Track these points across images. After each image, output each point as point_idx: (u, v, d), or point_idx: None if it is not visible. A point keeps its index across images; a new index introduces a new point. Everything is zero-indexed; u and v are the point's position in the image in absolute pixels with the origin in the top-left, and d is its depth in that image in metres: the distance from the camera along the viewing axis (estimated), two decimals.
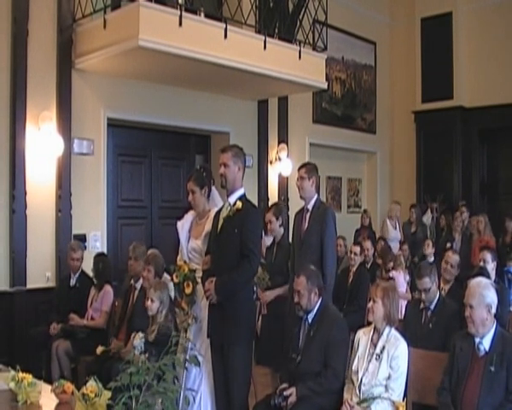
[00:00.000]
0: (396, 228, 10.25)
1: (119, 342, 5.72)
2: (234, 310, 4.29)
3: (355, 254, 7.25)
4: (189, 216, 4.97)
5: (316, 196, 5.38)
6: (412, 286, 6.58)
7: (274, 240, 6.13)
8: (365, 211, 11.22)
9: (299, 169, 5.42)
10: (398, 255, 7.43)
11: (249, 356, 4.49)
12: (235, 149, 4.53)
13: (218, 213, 4.54)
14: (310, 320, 4.45)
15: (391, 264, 7.37)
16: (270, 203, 9.44)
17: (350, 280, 7.13)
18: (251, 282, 4.58)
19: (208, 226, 4.66)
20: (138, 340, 4.51)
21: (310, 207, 5.34)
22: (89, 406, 3.35)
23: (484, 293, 3.83)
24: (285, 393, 4.22)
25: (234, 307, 4.29)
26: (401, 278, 7.02)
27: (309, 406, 4.16)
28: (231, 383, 4.35)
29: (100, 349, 5.64)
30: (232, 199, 4.43)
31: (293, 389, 4.21)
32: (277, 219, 5.96)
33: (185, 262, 4.71)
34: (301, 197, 5.40)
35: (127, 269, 6.39)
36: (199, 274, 4.57)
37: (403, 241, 9.57)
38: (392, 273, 7.05)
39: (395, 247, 9.15)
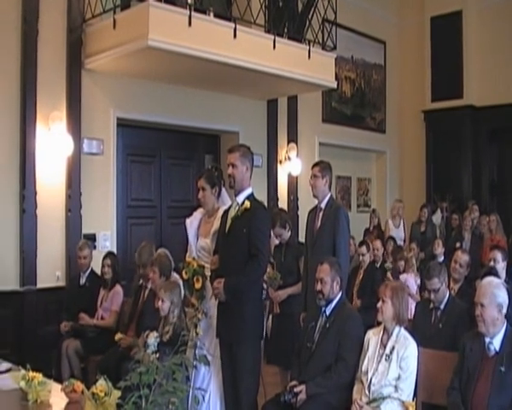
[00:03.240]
0: (399, 227, 10.10)
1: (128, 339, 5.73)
2: (242, 309, 4.29)
3: (362, 254, 7.25)
4: (198, 214, 4.97)
5: (329, 195, 5.33)
6: (422, 286, 6.54)
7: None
8: (374, 211, 11.17)
9: (313, 167, 5.35)
10: (409, 257, 7.37)
11: (258, 355, 4.49)
12: (243, 149, 4.52)
13: (226, 212, 4.53)
14: (328, 313, 4.45)
15: (402, 262, 7.33)
16: (279, 203, 9.46)
17: (360, 278, 7.13)
18: (260, 281, 4.57)
19: (217, 225, 4.64)
20: (153, 339, 4.47)
21: (323, 205, 5.28)
22: (98, 405, 3.34)
23: (495, 292, 3.80)
24: (295, 390, 4.22)
25: (242, 307, 4.28)
26: (412, 281, 6.97)
27: (318, 403, 4.16)
28: (240, 383, 4.34)
29: (119, 336, 5.66)
30: (240, 199, 4.43)
31: (303, 387, 4.21)
32: (285, 227, 5.93)
33: (194, 258, 4.70)
34: (314, 196, 5.36)
35: (135, 269, 6.42)
36: (207, 272, 4.57)
37: (410, 240, 9.49)
38: (404, 276, 7.00)
39: None
